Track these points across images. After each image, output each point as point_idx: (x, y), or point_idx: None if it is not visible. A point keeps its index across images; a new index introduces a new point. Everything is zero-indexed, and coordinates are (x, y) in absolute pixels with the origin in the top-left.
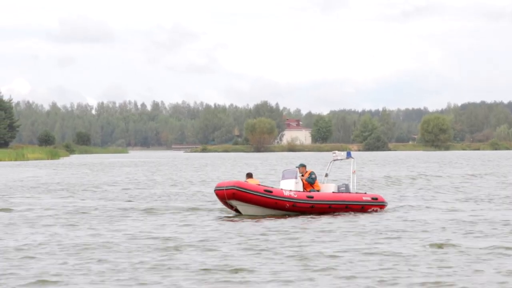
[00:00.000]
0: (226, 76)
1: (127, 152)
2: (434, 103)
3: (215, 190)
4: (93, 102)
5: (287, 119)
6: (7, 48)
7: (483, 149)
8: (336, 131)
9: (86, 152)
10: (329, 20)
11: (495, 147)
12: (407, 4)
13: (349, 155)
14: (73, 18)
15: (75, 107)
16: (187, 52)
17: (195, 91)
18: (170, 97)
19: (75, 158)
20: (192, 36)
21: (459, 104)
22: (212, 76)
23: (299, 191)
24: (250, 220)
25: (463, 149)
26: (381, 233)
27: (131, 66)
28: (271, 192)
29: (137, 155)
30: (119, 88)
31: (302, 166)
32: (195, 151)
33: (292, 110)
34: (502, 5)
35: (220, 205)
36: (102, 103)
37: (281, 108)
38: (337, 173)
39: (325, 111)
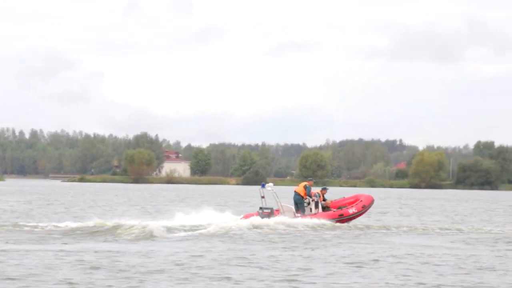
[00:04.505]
0: (105, 105)
1: (3, 180)
2: (313, 139)
3: None
4: None
5: (167, 151)
6: None
7: (360, 186)
8: (215, 164)
9: None
10: (209, 53)
11: (371, 184)
12: (286, 39)
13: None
14: None
15: None
16: (64, 80)
17: (73, 120)
18: (49, 125)
19: None
20: (68, 63)
21: (338, 141)
22: (90, 105)
23: None
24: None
25: (340, 186)
26: None
27: (4, 92)
28: None
29: (11, 184)
30: None
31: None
32: (72, 181)
33: (171, 142)
34: (381, 45)
35: None
36: None
37: (160, 139)
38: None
39: (204, 144)
